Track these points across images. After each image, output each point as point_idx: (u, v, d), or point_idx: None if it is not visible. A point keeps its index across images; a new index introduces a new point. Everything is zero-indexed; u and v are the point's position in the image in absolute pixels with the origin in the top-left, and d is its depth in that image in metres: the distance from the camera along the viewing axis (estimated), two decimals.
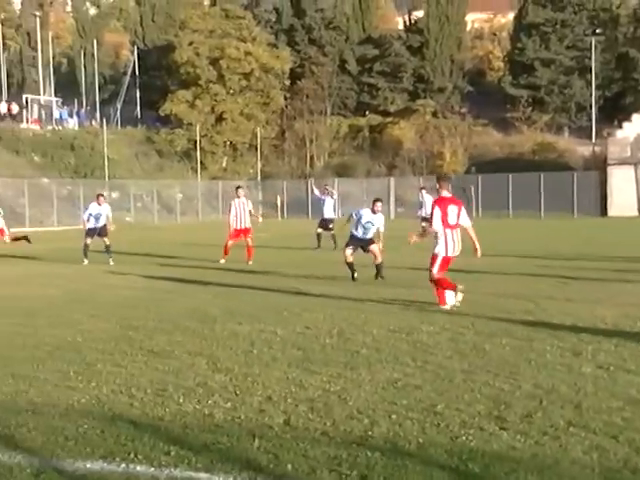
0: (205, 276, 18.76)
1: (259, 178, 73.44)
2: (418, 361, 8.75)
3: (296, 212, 66.41)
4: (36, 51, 71.13)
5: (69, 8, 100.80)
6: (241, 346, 9.81)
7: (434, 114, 73.68)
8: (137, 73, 75.97)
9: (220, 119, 71.77)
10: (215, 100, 71.40)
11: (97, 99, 73.71)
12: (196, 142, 69.57)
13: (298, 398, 7.23)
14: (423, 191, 33.08)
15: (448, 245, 12.70)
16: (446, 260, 12.81)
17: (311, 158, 75.54)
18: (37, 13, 70.91)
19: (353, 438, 6.08)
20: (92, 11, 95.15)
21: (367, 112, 76.93)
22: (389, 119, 74.72)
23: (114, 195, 59.47)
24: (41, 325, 11.75)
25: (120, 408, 6.98)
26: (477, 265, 17.60)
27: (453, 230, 12.72)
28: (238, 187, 24.72)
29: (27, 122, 66.10)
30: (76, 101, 73.72)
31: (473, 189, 63.68)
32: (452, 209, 12.73)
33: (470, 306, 12.66)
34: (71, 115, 70.94)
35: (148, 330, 11.08)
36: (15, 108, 66.09)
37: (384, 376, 8.05)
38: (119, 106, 74.18)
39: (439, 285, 12.78)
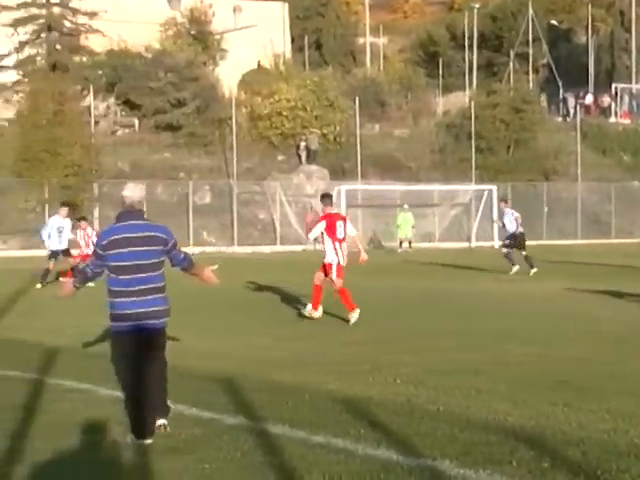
0: None
1: None
2: None
3: None
4: (629, 32, 71.30)
5: None
6: None
7: None
8: None
9: None
10: None
11: None
12: None
13: None
14: None
15: (339, 255, 15.96)
16: (341, 268, 15.99)
17: None
18: None
19: None
20: None
21: None
22: None
23: None
24: (628, 352, 12.01)
25: None
26: None
27: (341, 243, 16.06)
28: None
29: (616, 116, 66.57)
30: None
31: None
32: (340, 224, 16.05)
33: None
34: None
35: None
36: (606, 100, 66.78)
37: None
38: None
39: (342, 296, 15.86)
